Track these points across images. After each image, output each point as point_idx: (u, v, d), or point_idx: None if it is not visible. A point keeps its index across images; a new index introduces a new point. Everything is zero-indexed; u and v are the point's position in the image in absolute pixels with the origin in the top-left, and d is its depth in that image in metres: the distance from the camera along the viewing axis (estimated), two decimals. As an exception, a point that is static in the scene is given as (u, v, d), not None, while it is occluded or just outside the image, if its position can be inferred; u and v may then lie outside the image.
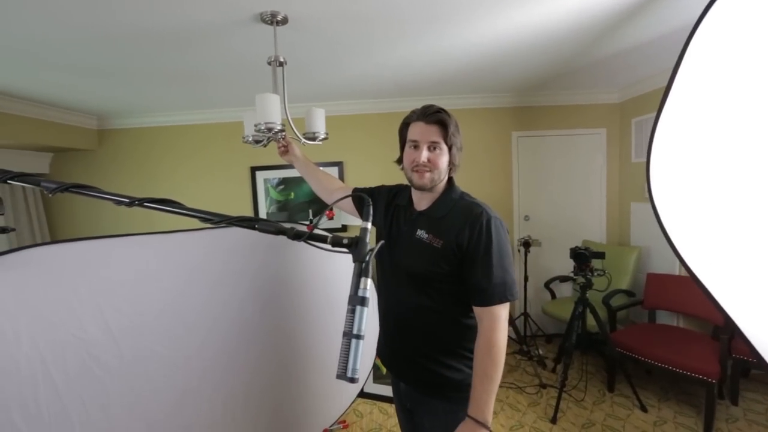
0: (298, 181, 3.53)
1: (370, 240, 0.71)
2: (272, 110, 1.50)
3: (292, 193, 3.56)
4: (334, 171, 3.50)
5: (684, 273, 2.71)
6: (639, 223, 3.17)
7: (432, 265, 1.04)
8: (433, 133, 1.04)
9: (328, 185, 1.46)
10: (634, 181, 3.20)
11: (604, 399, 2.51)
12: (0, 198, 0.97)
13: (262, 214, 3.57)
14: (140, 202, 0.77)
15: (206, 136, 3.48)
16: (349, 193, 1.31)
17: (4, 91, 2.50)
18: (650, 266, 3.01)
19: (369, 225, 0.72)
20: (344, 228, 3.50)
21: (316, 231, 0.72)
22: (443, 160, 1.05)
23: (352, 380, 0.61)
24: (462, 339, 1.08)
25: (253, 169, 3.51)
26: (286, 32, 1.75)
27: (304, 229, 0.72)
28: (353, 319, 0.64)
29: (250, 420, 1.38)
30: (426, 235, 1.06)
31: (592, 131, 3.40)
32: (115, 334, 1.09)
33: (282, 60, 1.68)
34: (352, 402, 1.76)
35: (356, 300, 0.65)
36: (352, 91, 3.01)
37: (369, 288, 0.66)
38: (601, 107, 3.36)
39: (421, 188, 1.07)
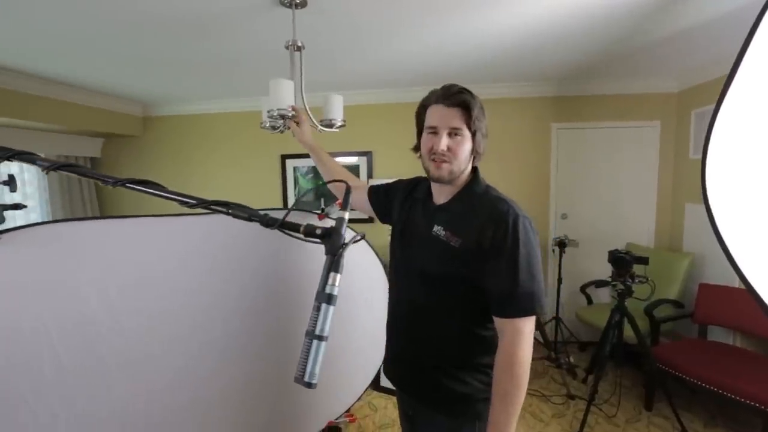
0: (327, 170, 3.52)
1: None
2: (285, 96, 1.47)
3: (321, 182, 3.56)
4: (362, 161, 3.45)
5: (745, 286, 2.40)
6: (694, 227, 2.85)
7: (447, 265, 0.94)
8: (454, 117, 0.91)
9: (337, 176, 1.35)
10: (691, 180, 2.87)
11: (639, 418, 2.29)
12: (12, 176, 1.02)
13: (291, 202, 3.62)
14: (122, 182, 0.76)
15: (238, 124, 3.56)
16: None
17: (62, 80, 2.69)
18: (704, 276, 2.69)
19: (346, 215, 0.66)
20: (371, 219, 3.45)
21: (289, 219, 0.67)
22: (465, 149, 0.92)
23: (309, 385, 0.55)
24: (474, 351, 0.98)
25: (284, 157, 3.55)
26: (306, 16, 1.70)
27: (279, 216, 0.67)
28: (317, 318, 0.58)
29: (250, 409, 1.38)
30: (443, 232, 0.95)
31: (644, 124, 3.08)
32: (117, 312, 1.11)
33: (300, 44, 1.64)
34: (360, 397, 1.72)
35: (323, 297, 0.59)
36: (379, 80, 2.93)
37: (338, 285, 0.60)
38: (656, 97, 3.03)
39: (438, 180, 0.96)
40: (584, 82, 3.02)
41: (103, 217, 1.08)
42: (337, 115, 1.70)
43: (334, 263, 0.60)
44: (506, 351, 0.88)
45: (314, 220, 1.43)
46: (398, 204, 1.14)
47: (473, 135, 0.93)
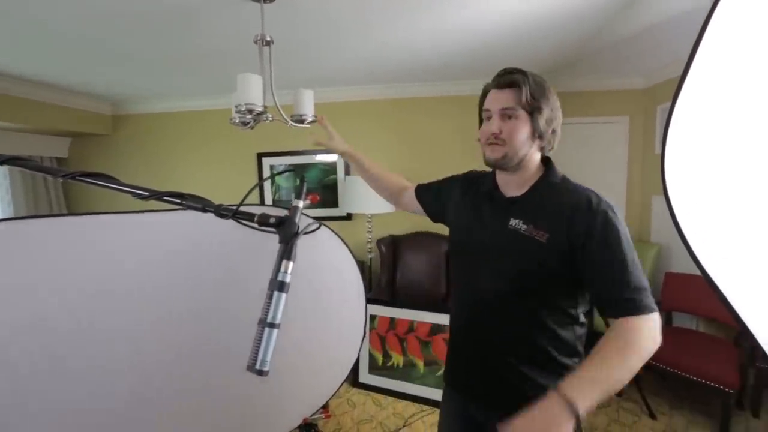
0: (304, 168, 3.50)
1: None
2: (253, 91, 1.46)
3: (298, 180, 3.54)
4: (340, 162, 3.44)
5: (707, 273, 2.51)
6: (660, 219, 2.96)
7: (533, 262, 0.87)
8: (505, 98, 0.88)
9: (395, 186, 1.28)
10: (657, 174, 2.97)
11: (609, 403, 2.37)
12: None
13: (268, 201, 3.58)
14: (71, 175, 0.74)
15: (214, 122, 3.49)
16: (387, 185, 1.24)
17: (24, 77, 2.57)
18: (671, 265, 2.80)
19: (301, 204, 0.66)
20: (349, 216, 3.45)
21: (244, 208, 0.66)
22: (521, 131, 0.88)
23: (261, 373, 0.55)
24: (554, 352, 0.91)
25: (260, 156, 3.50)
26: (275, 10, 1.69)
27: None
28: (269, 306, 0.58)
29: (222, 407, 1.36)
30: (524, 226, 0.88)
31: (614, 119, 3.18)
32: (76, 311, 1.08)
33: (268, 39, 1.62)
34: (335, 392, 1.72)
35: (275, 284, 0.59)
36: (356, 76, 2.92)
37: (290, 272, 0.60)
38: (624, 93, 3.13)
39: (493, 164, 0.93)
40: (552, 80, 3.09)
41: (65, 214, 1.04)
42: (308, 111, 1.69)
43: (286, 251, 0.60)
44: (623, 337, 0.78)
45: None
46: (455, 203, 1.09)
47: (531, 115, 0.88)
